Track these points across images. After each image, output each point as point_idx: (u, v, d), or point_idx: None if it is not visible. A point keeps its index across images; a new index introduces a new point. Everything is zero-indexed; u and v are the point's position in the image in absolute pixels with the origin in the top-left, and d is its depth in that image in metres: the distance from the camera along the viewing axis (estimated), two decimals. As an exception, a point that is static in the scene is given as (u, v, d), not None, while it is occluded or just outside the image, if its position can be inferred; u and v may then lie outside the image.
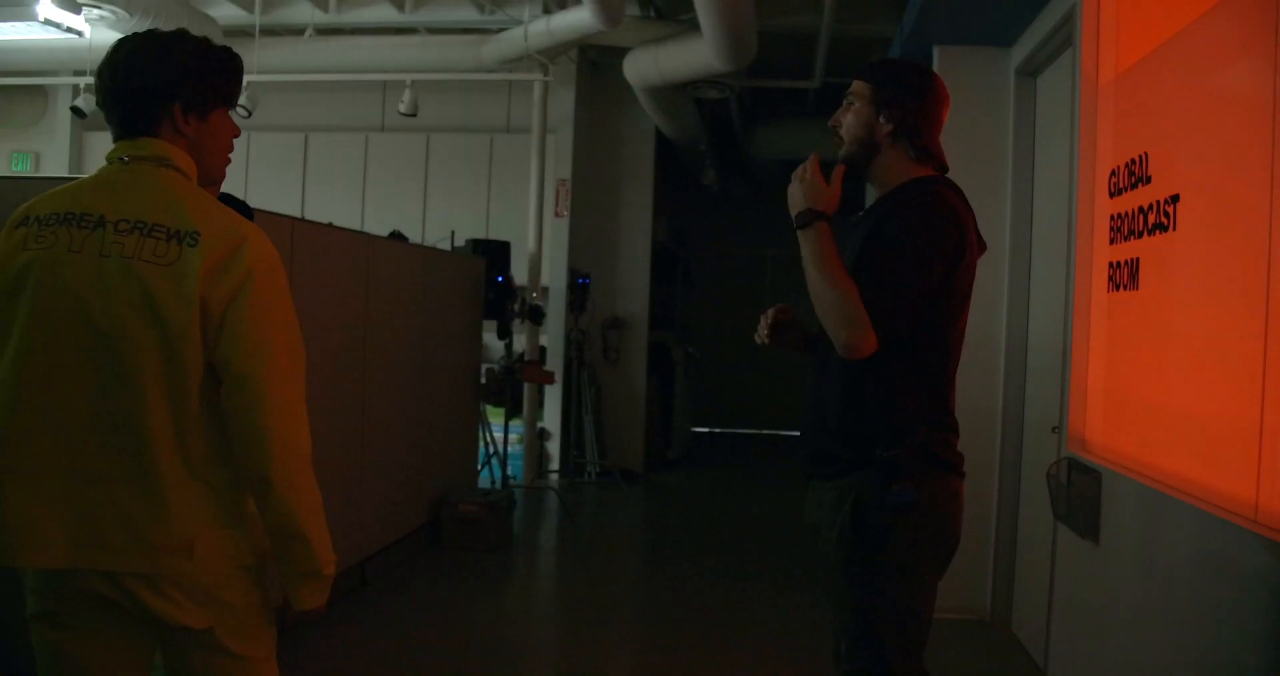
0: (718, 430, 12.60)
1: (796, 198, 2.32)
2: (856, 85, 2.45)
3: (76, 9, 5.94)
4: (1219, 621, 2.40)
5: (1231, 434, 2.45)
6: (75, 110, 8.10)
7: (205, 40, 1.99)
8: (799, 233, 2.29)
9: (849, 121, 2.43)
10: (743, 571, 5.98)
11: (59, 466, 1.81)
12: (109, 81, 1.92)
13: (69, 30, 6.04)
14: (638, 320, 9.48)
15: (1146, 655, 2.79)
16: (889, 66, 2.49)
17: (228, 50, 2.03)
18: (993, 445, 4.89)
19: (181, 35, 1.97)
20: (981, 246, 2.48)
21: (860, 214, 2.52)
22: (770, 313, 2.53)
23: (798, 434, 2.55)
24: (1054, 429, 3.93)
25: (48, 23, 5.90)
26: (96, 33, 7.01)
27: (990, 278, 4.91)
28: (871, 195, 2.60)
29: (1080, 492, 3.33)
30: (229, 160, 2.07)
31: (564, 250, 8.66)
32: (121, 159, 1.92)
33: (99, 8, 6.22)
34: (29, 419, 1.82)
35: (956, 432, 2.41)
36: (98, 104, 1.97)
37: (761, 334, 2.53)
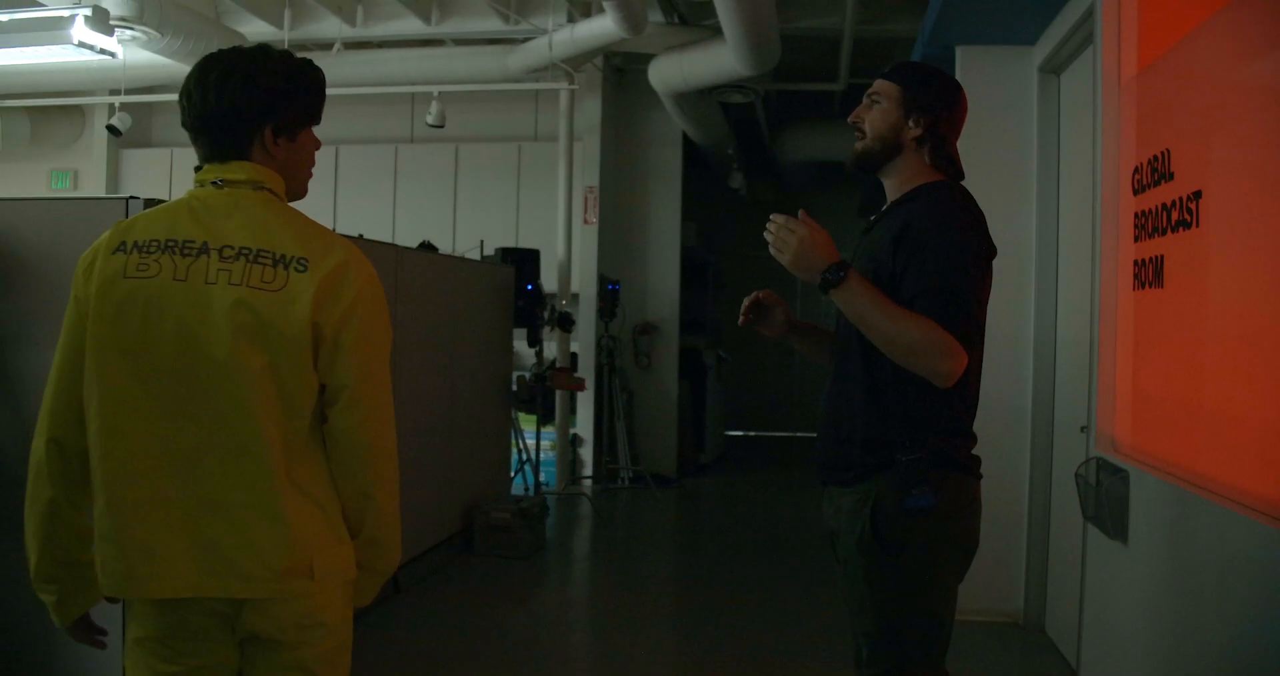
0: (751, 433, 12.59)
1: (810, 258, 2.23)
2: (883, 85, 2.45)
3: (110, 31, 6.02)
4: (1246, 622, 2.38)
5: (1257, 432, 2.43)
6: (111, 129, 8.23)
7: (289, 55, 1.99)
8: (833, 291, 2.22)
9: (874, 119, 2.44)
10: (776, 576, 5.98)
11: (178, 494, 1.81)
12: (199, 105, 1.90)
13: (102, 51, 6.12)
14: (668, 325, 9.49)
15: (1176, 657, 2.77)
16: (919, 71, 2.49)
17: (311, 65, 2.02)
18: (1023, 445, 4.87)
19: (267, 53, 1.95)
20: (993, 250, 2.47)
21: (873, 217, 2.53)
22: (753, 294, 2.54)
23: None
24: (1083, 428, 3.91)
25: (82, 45, 5.98)
26: (130, 53, 7.12)
27: (1018, 277, 4.89)
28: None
29: (1109, 493, 3.31)
30: (311, 175, 2.08)
31: (593, 257, 8.70)
32: (215, 183, 1.91)
33: (132, 28, 6.31)
34: (145, 447, 1.82)
35: (974, 436, 2.40)
36: (184, 125, 1.94)
37: (743, 313, 2.54)
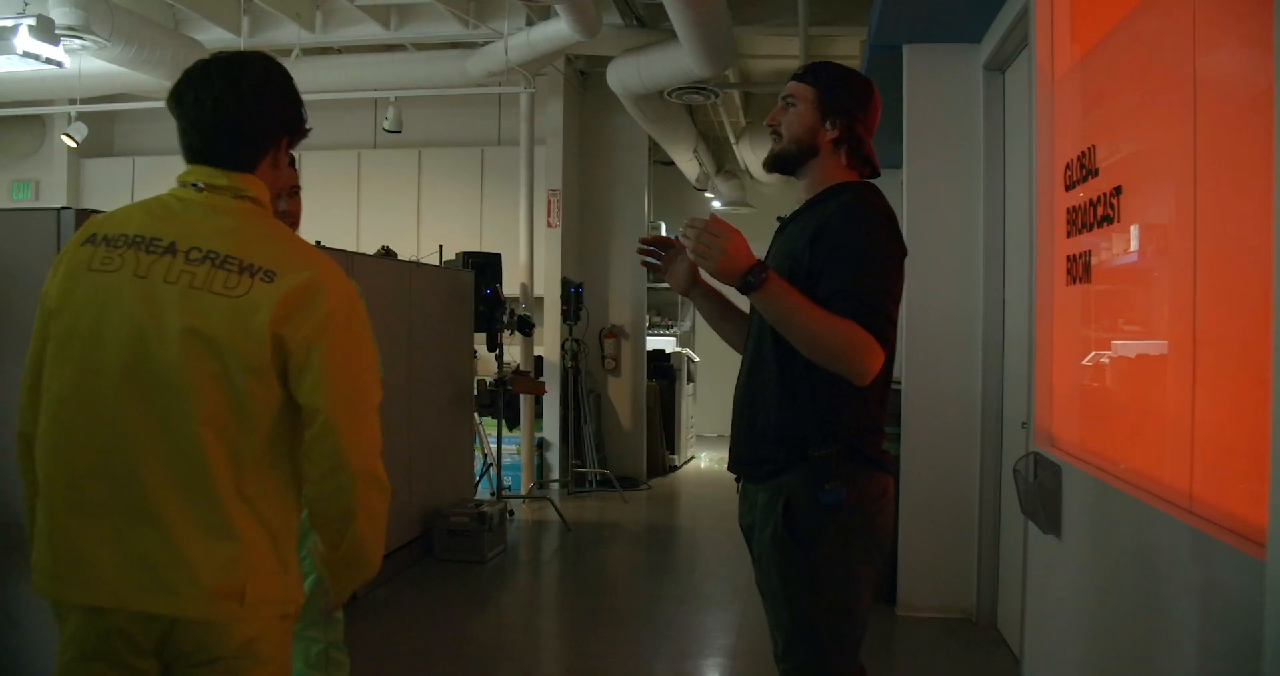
0: (726, 435, 12.59)
1: (734, 262, 2.20)
2: (797, 88, 2.47)
3: (55, 40, 5.98)
4: (1159, 612, 2.39)
5: (1167, 424, 2.45)
6: (67, 137, 8.19)
7: (279, 65, 1.94)
8: (753, 294, 2.21)
9: (790, 122, 2.46)
10: (743, 576, 5.98)
11: (113, 500, 1.75)
12: (211, 113, 1.83)
13: (49, 61, 6.07)
14: (635, 328, 9.50)
15: (1105, 647, 2.79)
16: (833, 73, 2.50)
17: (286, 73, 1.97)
18: (973, 441, 4.88)
19: (266, 61, 1.91)
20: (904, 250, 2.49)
21: (787, 216, 2.53)
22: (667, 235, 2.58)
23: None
24: (1023, 424, 3.92)
25: (27, 55, 5.94)
26: (86, 62, 7.09)
27: (966, 272, 4.92)
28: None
29: (1043, 488, 3.32)
30: None
31: (557, 260, 8.70)
32: (196, 186, 1.85)
33: (80, 37, 6.27)
34: (85, 448, 1.77)
35: (884, 432, 2.42)
36: (188, 126, 1.85)
37: (642, 246, 2.60)
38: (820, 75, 2.48)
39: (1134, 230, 2.72)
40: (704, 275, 2.55)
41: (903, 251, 2.39)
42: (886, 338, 2.24)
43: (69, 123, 8.24)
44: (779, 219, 2.56)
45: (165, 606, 1.75)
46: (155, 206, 1.86)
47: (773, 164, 2.52)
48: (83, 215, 3.42)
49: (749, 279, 2.19)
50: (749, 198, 12.44)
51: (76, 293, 1.79)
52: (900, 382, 4.99)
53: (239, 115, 1.84)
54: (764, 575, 2.39)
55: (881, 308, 2.24)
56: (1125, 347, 2.83)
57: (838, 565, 2.31)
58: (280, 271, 1.80)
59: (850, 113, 2.44)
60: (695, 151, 9.98)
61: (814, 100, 2.44)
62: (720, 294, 2.63)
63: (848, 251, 2.27)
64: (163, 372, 1.74)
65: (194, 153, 1.87)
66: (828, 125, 2.43)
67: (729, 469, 2.52)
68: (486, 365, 7.79)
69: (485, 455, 7.68)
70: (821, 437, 2.28)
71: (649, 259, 2.61)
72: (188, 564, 1.74)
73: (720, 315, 2.66)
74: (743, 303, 2.49)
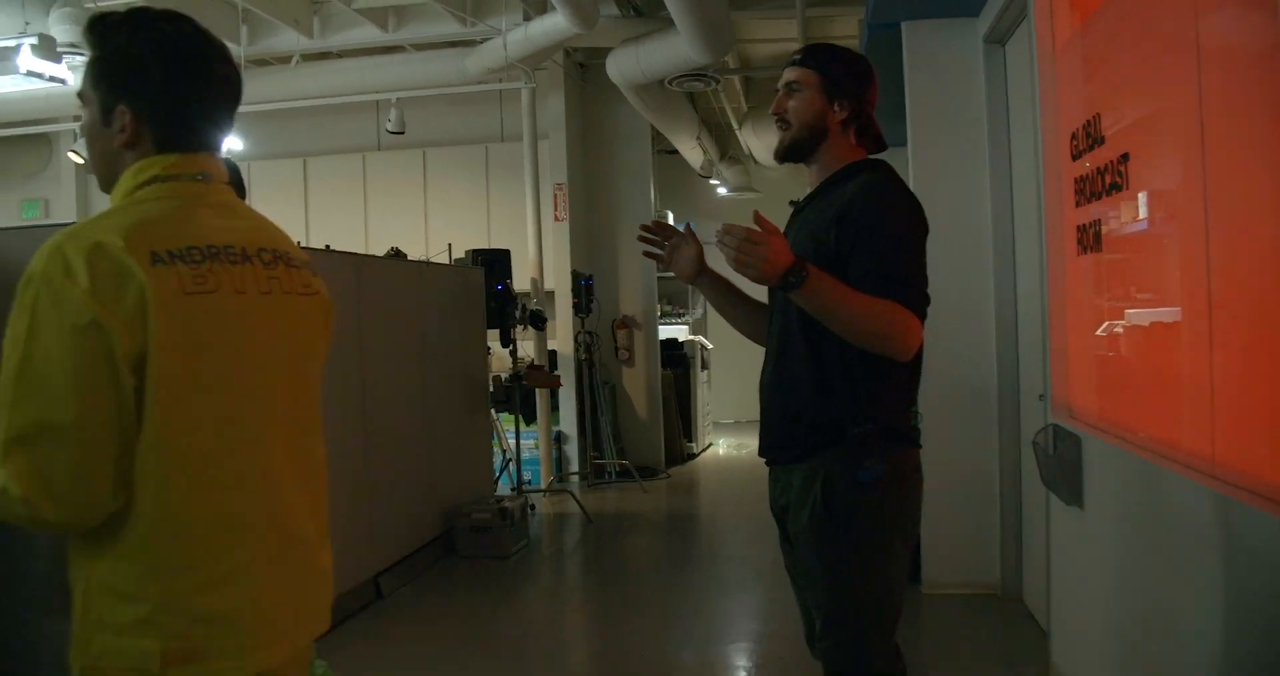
0: (744, 421, 12.60)
1: (775, 267, 2.13)
2: (800, 73, 2.45)
3: (58, 58, 6.01)
4: (1185, 577, 2.39)
5: (1186, 390, 2.44)
6: (74, 154, 8.22)
7: None
8: (795, 293, 2.16)
9: (798, 108, 2.45)
10: (766, 562, 5.98)
11: (282, 543, 1.57)
12: (234, 89, 1.63)
13: (52, 79, 6.10)
14: (647, 318, 9.50)
15: (1134, 616, 2.78)
16: (833, 54, 2.49)
17: None
18: (991, 416, 4.88)
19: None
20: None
21: (803, 200, 2.53)
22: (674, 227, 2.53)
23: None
24: (1040, 396, 3.92)
25: (30, 74, 5.96)
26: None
27: (976, 247, 4.90)
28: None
29: (1063, 459, 3.32)
30: None
31: (565, 253, 8.71)
32: (201, 176, 1.59)
33: (82, 54, 6.29)
34: (248, 498, 1.54)
35: (913, 406, 2.43)
36: (200, 112, 1.58)
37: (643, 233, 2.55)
38: (820, 58, 2.47)
39: (1144, 197, 2.71)
40: (707, 265, 2.56)
41: (926, 229, 2.40)
42: (924, 314, 2.26)
43: (75, 140, 8.28)
44: (792, 203, 2.55)
45: (319, 628, 1.65)
46: (181, 207, 1.55)
47: (785, 153, 2.50)
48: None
49: (790, 280, 2.13)
50: (754, 183, 12.42)
51: (184, 324, 1.45)
52: (915, 360, 4.98)
53: (238, 86, 1.65)
54: (801, 556, 2.39)
55: (917, 285, 2.27)
56: (1140, 315, 2.82)
57: (876, 543, 2.32)
58: (313, 265, 1.71)
59: (857, 93, 2.45)
60: (698, 139, 9.97)
61: (819, 84, 2.43)
62: (727, 280, 2.61)
63: (878, 231, 2.28)
64: (291, 392, 1.63)
65: (196, 137, 1.59)
66: (836, 107, 2.43)
67: (760, 454, 2.52)
68: (501, 361, 7.81)
69: (504, 451, 7.69)
70: (860, 416, 2.29)
71: (651, 249, 2.58)
72: (323, 576, 1.68)
73: (728, 301, 2.64)
74: (751, 288, 2.49)
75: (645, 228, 2.57)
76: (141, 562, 1.44)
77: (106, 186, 1.59)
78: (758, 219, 2.19)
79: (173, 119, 1.56)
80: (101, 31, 1.56)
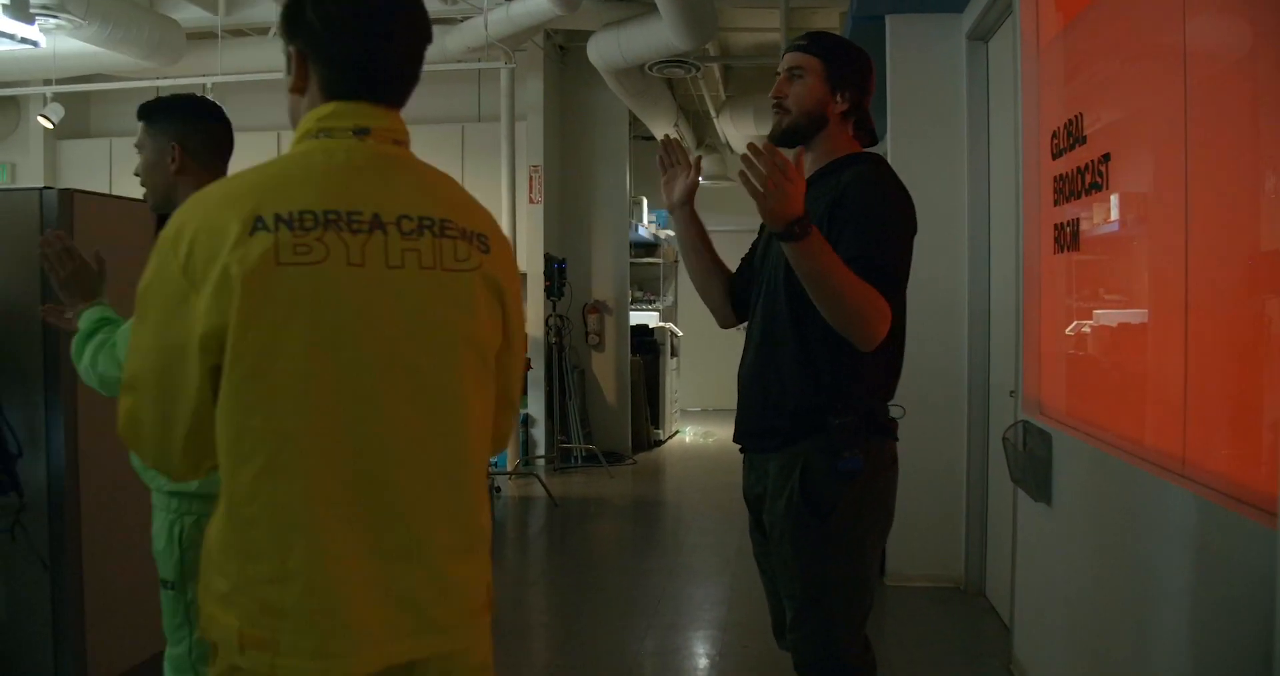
0: (711, 409, 12.62)
1: (788, 208, 2.08)
2: (804, 59, 2.44)
3: (30, 19, 5.90)
4: (1152, 577, 2.41)
5: (1160, 390, 2.46)
6: (43, 118, 8.09)
7: None
8: (793, 244, 2.11)
9: (800, 94, 2.43)
10: (732, 551, 6.00)
11: (381, 539, 1.42)
12: (407, 33, 1.50)
13: (24, 40, 5.99)
14: (618, 303, 9.49)
15: (1098, 613, 2.81)
16: (837, 44, 2.49)
17: None
18: (960, 411, 4.91)
19: None
20: None
21: None
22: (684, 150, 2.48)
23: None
24: (1011, 393, 3.94)
25: (1, 35, 5.85)
26: (61, 42, 7.00)
27: (951, 242, 4.92)
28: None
29: (1033, 455, 3.34)
30: None
31: (539, 236, 8.68)
32: (359, 131, 1.46)
33: (55, 16, 6.19)
34: (344, 491, 1.40)
35: (893, 397, 2.44)
36: (358, 57, 1.47)
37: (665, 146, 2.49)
38: (826, 46, 2.46)
39: (1124, 197, 2.72)
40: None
41: (914, 226, 2.41)
42: (896, 307, 2.27)
43: (45, 104, 8.14)
44: None
45: (430, 646, 1.47)
46: (316, 165, 1.45)
47: (782, 138, 2.48)
48: (65, 195, 3.39)
49: (794, 229, 2.09)
50: (729, 172, 12.41)
51: (272, 297, 1.36)
52: (887, 353, 5.00)
53: (406, 36, 1.51)
54: (776, 544, 2.39)
55: (895, 277, 2.28)
56: (1115, 315, 2.84)
57: (852, 534, 2.33)
58: (489, 235, 1.54)
59: (859, 85, 2.45)
60: (676, 125, 9.94)
61: (823, 72, 2.42)
62: (702, 224, 2.60)
63: (866, 219, 2.29)
64: (420, 380, 1.45)
65: (355, 86, 1.47)
66: (838, 97, 2.43)
67: (735, 440, 2.51)
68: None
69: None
70: (841, 405, 2.29)
71: (663, 160, 2.54)
72: (452, 587, 1.48)
73: (697, 245, 2.61)
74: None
75: (667, 142, 2.53)
76: (224, 538, 1.41)
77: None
78: (798, 160, 2.21)
79: (333, 59, 1.47)
80: None
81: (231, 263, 1.34)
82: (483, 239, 1.52)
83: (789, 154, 2.15)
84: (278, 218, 1.36)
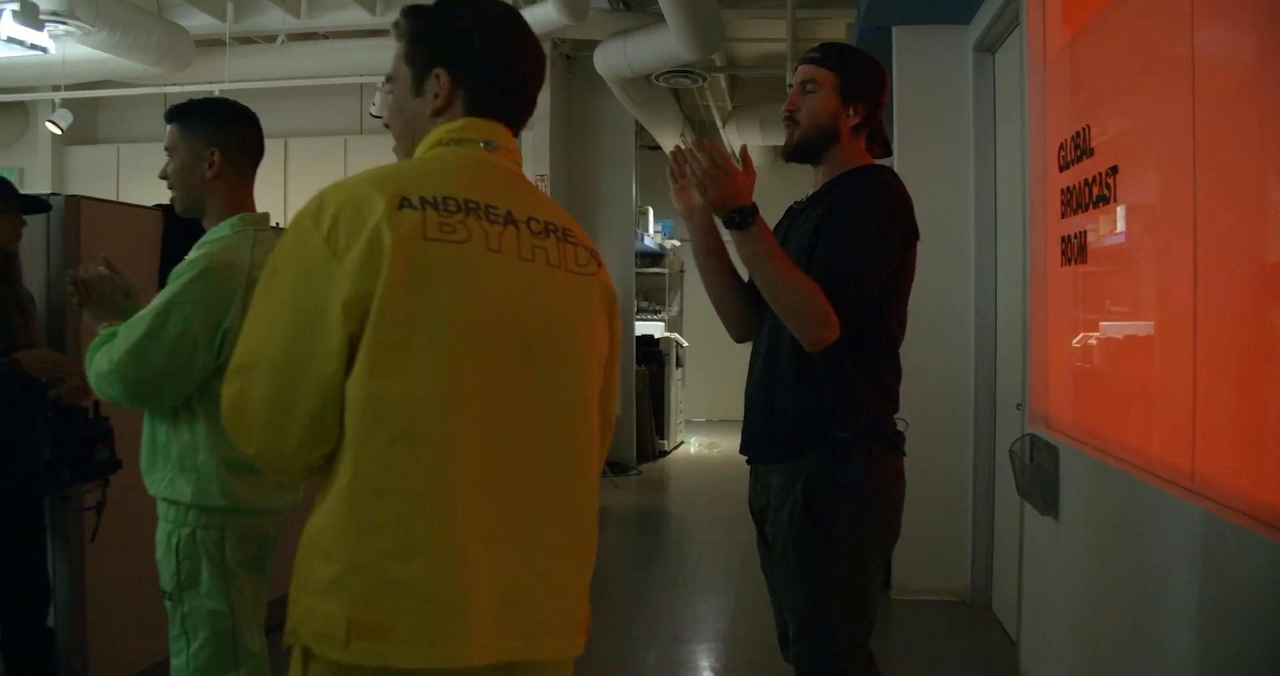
0: (716, 419, 12.60)
1: (734, 198, 2.19)
2: (817, 72, 2.42)
3: (39, 25, 5.92)
4: (1160, 592, 2.39)
5: (1168, 404, 2.45)
6: (51, 124, 8.11)
7: None
8: (737, 232, 2.22)
9: (811, 108, 2.41)
10: (737, 563, 5.98)
11: (503, 529, 1.42)
12: (538, 65, 1.63)
13: (33, 47, 6.01)
14: (623, 313, 9.45)
15: (1107, 629, 2.79)
16: (851, 57, 2.47)
17: None
18: (966, 424, 4.89)
19: None
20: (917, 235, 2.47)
21: (804, 200, 2.51)
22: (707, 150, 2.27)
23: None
24: (1018, 406, 3.93)
25: (11, 41, 5.87)
26: (70, 48, 7.02)
27: (958, 254, 4.91)
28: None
29: (1040, 469, 3.32)
30: None
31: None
32: (489, 144, 1.56)
33: (64, 23, 6.21)
34: (472, 469, 1.39)
35: (897, 410, 2.42)
36: (508, 82, 1.60)
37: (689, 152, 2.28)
38: (839, 59, 2.44)
39: (1131, 209, 2.71)
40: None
41: (905, 236, 2.37)
42: (847, 314, 2.22)
43: (53, 110, 8.17)
44: (796, 203, 2.53)
45: (535, 650, 1.45)
46: (450, 163, 1.53)
47: (793, 153, 2.46)
48: (72, 201, 3.39)
49: (735, 217, 2.21)
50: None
51: (416, 268, 1.38)
52: (893, 365, 4.98)
53: (536, 66, 1.65)
54: (778, 557, 2.37)
55: (854, 284, 2.24)
56: (1123, 328, 2.82)
57: (854, 548, 2.30)
58: (597, 254, 1.62)
59: (873, 99, 2.44)
60: (682, 135, 9.94)
61: (835, 85, 2.40)
62: (718, 231, 2.52)
63: (844, 226, 2.29)
64: (544, 370, 1.47)
65: (495, 108, 1.58)
66: (850, 111, 2.41)
67: (741, 451, 2.50)
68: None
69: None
70: (842, 418, 2.27)
71: (676, 169, 2.38)
72: (564, 592, 1.50)
73: (711, 248, 2.52)
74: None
75: (677, 152, 2.33)
76: (340, 516, 1.38)
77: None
78: (743, 154, 2.27)
79: (489, 85, 1.58)
80: (419, 12, 1.61)
81: (382, 229, 1.37)
82: (594, 254, 1.60)
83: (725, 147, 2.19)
84: (422, 199, 1.41)
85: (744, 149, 2.34)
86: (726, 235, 2.34)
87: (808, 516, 2.29)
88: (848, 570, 2.32)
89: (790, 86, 2.47)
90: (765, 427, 2.41)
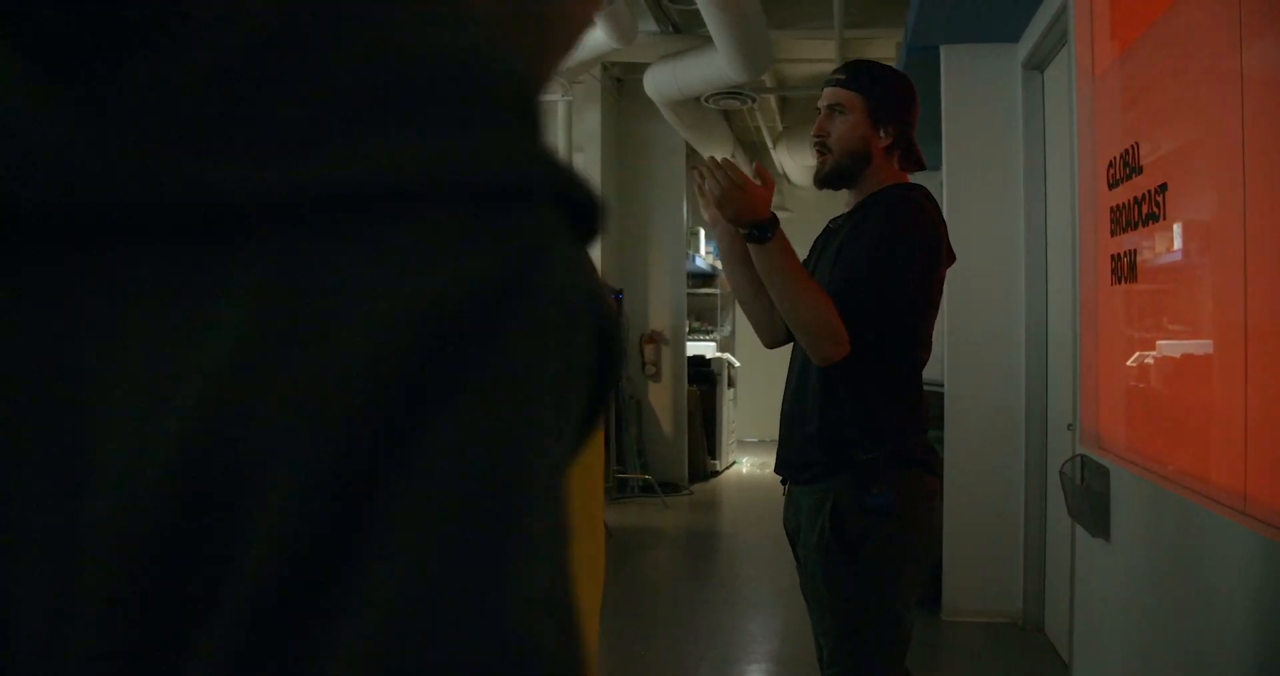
0: (768, 439, 12.55)
1: (753, 213, 2.23)
2: (844, 95, 2.40)
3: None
4: (1214, 616, 2.35)
5: (1219, 424, 2.41)
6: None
7: None
8: (756, 246, 2.24)
9: (842, 133, 2.40)
10: (788, 583, 5.94)
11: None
12: None
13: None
14: (675, 334, 9.49)
15: (1157, 652, 2.74)
16: (877, 77, 2.45)
17: None
18: (1018, 445, 4.83)
19: None
20: (950, 257, 2.44)
21: (838, 219, 2.51)
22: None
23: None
24: (1069, 426, 3.88)
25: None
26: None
27: (1008, 273, 4.87)
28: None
29: (1090, 490, 3.28)
30: None
31: (597, 266, 8.67)
32: None
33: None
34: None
35: (927, 432, 2.40)
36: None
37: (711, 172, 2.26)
38: (866, 80, 2.42)
39: (1182, 227, 2.68)
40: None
41: (930, 255, 2.34)
42: (859, 331, 2.21)
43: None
44: (832, 221, 2.53)
45: None
46: None
47: (826, 180, 2.45)
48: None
49: (754, 232, 2.22)
50: (786, 202, 12.40)
51: None
52: (943, 385, 4.95)
53: None
54: (809, 580, 2.37)
55: (868, 301, 2.23)
56: (1174, 347, 2.79)
57: (884, 570, 2.29)
58: None
59: (903, 118, 2.41)
60: (732, 156, 9.96)
61: (863, 107, 2.38)
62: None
63: (864, 244, 2.29)
64: None
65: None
66: (881, 133, 2.39)
67: (775, 471, 2.50)
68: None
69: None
70: (867, 440, 2.26)
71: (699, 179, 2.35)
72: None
73: (739, 257, 2.48)
74: None
75: (697, 167, 2.34)
76: None
77: None
78: (759, 170, 2.30)
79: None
80: None
81: None
82: None
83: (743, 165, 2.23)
84: None
85: (759, 164, 2.36)
86: None
87: (835, 540, 2.28)
88: (879, 593, 2.30)
89: (818, 110, 2.45)
90: (796, 449, 2.41)
